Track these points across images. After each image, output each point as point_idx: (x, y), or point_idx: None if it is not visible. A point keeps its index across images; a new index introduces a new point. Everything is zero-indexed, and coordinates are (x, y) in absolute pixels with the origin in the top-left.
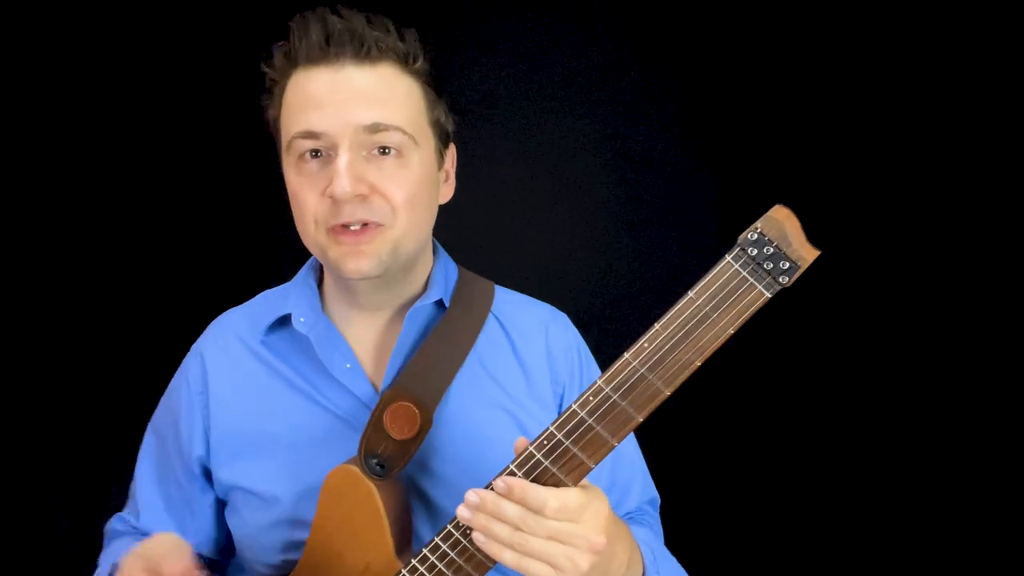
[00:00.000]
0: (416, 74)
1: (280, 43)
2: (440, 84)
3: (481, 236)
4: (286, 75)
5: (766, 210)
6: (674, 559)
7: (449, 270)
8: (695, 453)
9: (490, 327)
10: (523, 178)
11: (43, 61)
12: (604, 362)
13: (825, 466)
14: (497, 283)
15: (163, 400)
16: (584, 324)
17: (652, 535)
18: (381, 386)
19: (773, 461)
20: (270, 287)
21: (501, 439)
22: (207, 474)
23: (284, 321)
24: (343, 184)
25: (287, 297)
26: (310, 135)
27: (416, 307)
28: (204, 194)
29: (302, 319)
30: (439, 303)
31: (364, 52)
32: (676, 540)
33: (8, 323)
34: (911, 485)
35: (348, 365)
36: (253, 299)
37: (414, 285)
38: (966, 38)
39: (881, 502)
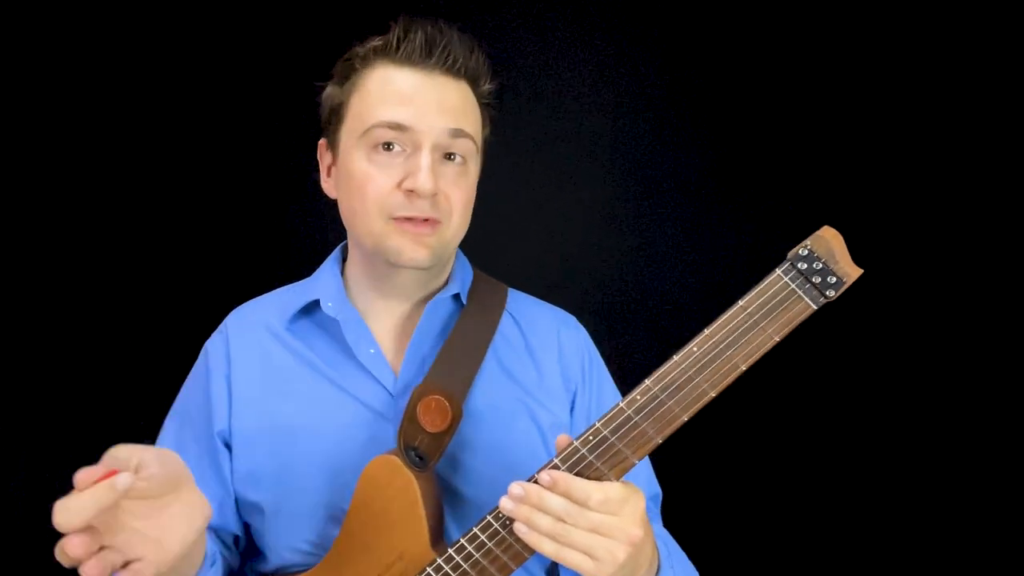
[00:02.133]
0: (481, 96)
1: (376, 36)
2: (492, 110)
3: (487, 237)
4: (370, 64)
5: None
6: (684, 555)
7: (465, 269)
8: (697, 449)
9: (505, 324)
10: (529, 180)
11: (49, 61)
12: (611, 363)
13: (827, 465)
14: (506, 285)
15: (184, 386)
16: (589, 325)
17: (664, 531)
18: (400, 374)
19: (775, 458)
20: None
21: (519, 431)
22: (226, 458)
23: (309, 309)
24: (425, 181)
25: (314, 285)
26: (396, 127)
27: (437, 299)
28: (208, 198)
29: (330, 304)
30: (456, 298)
31: (455, 68)
32: (679, 536)
33: (11, 324)
34: (911, 486)
35: (372, 351)
36: (271, 292)
37: (438, 279)
38: (978, 42)
39: (881, 503)
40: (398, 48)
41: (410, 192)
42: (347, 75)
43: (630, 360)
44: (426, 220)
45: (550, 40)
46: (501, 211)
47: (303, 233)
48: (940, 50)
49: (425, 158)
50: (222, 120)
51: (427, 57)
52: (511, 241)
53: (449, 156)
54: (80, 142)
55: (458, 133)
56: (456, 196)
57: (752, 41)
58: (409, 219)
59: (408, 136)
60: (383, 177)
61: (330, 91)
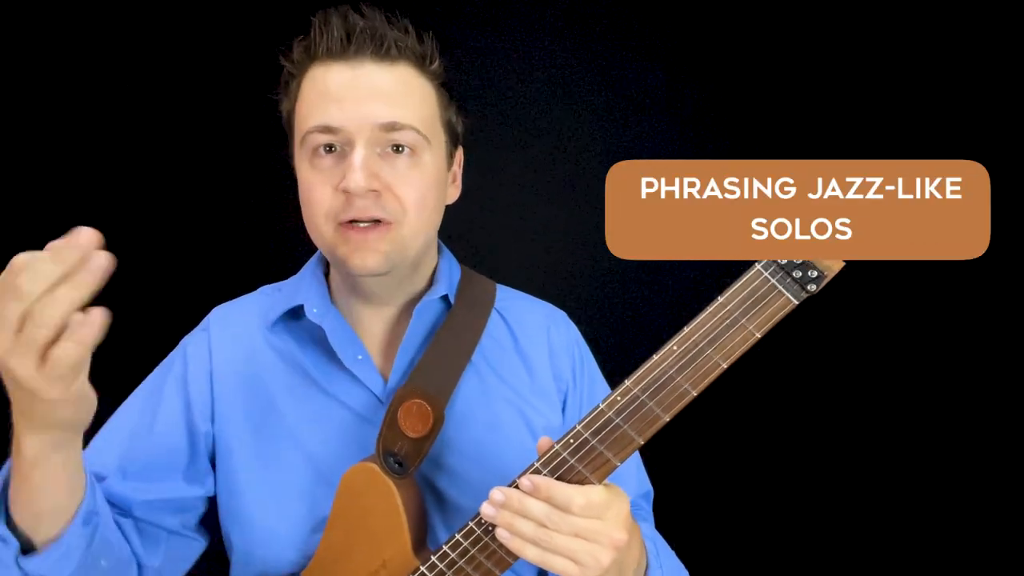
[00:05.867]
0: (431, 75)
1: (300, 37)
2: (452, 86)
3: (480, 235)
4: (303, 69)
5: None
6: (673, 553)
7: (453, 268)
8: (689, 446)
9: (493, 323)
10: (523, 177)
11: (45, 61)
12: (603, 359)
13: (822, 463)
14: (496, 281)
15: (155, 377)
16: (582, 321)
17: (653, 530)
18: (389, 378)
19: (768, 454)
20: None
21: (509, 433)
22: (207, 456)
23: (293, 314)
24: (357, 179)
25: (297, 289)
26: (327, 129)
27: (424, 301)
28: (196, 196)
29: (315, 310)
30: (444, 299)
31: (384, 51)
32: (670, 534)
33: None
34: (911, 485)
35: (360, 357)
36: (250, 294)
37: (420, 281)
38: (966, 35)
39: (881, 503)
40: (319, 44)
41: (347, 193)
42: (288, 84)
43: (626, 362)
44: (376, 222)
45: (546, 41)
46: (489, 211)
47: (287, 232)
48: (926, 43)
49: (357, 156)
50: (211, 117)
51: (348, 46)
52: (503, 241)
53: (396, 148)
54: (74, 141)
55: (393, 127)
56: (407, 192)
57: (749, 44)
58: (352, 224)
59: (342, 136)
60: (323, 182)
61: (283, 104)
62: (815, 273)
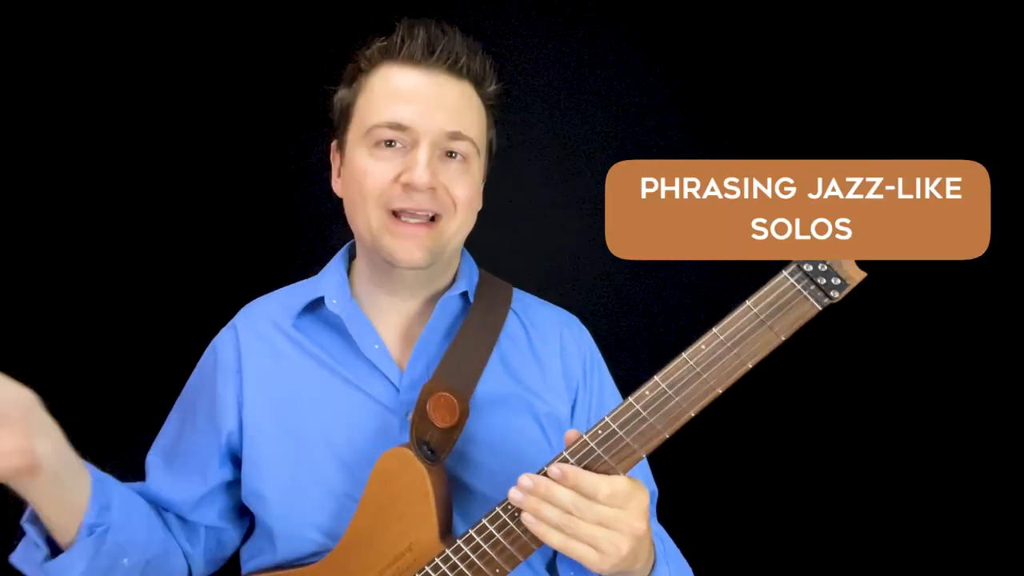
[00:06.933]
0: (485, 97)
1: (379, 37)
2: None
3: (479, 235)
4: (375, 65)
5: None
6: (679, 552)
7: (472, 269)
8: (693, 448)
9: (509, 322)
10: (522, 177)
11: (55, 61)
12: (611, 362)
13: (823, 463)
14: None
15: (190, 380)
16: (591, 326)
17: (660, 529)
18: (407, 369)
19: (768, 455)
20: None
21: (524, 427)
22: (231, 453)
23: (314, 307)
24: (422, 175)
25: (319, 283)
26: (397, 127)
27: (446, 296)
28: (214, 198)
29: (335, 301)
30: (464, 296)
31: (457, 67)
32: (673, 535)
33: (18, 324)
34: (912, 485)
35: (376, 346)
36: (278, 290)
37: (444, 278)
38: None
39: (881, 503)
40: (401, 48)
41: (407, 186)
42: (354, 77)
43: (625, 361)
44: (432, 219)
45: (549, 40)
46: (494, 213)
47: (308, 234)
48: (926, 43)
49: (423, 153)
50: (230, 121)
51: (429, 56)
52: (502, 242)
53: (450, 154)
54: (90, 143)
55: (456, 136)
56: (458, 191)
57: (754, 42)
58: (402, 214)
59: (408, 134)
60: (382, 170)
61: (340, 94)
62: (838, 281)
